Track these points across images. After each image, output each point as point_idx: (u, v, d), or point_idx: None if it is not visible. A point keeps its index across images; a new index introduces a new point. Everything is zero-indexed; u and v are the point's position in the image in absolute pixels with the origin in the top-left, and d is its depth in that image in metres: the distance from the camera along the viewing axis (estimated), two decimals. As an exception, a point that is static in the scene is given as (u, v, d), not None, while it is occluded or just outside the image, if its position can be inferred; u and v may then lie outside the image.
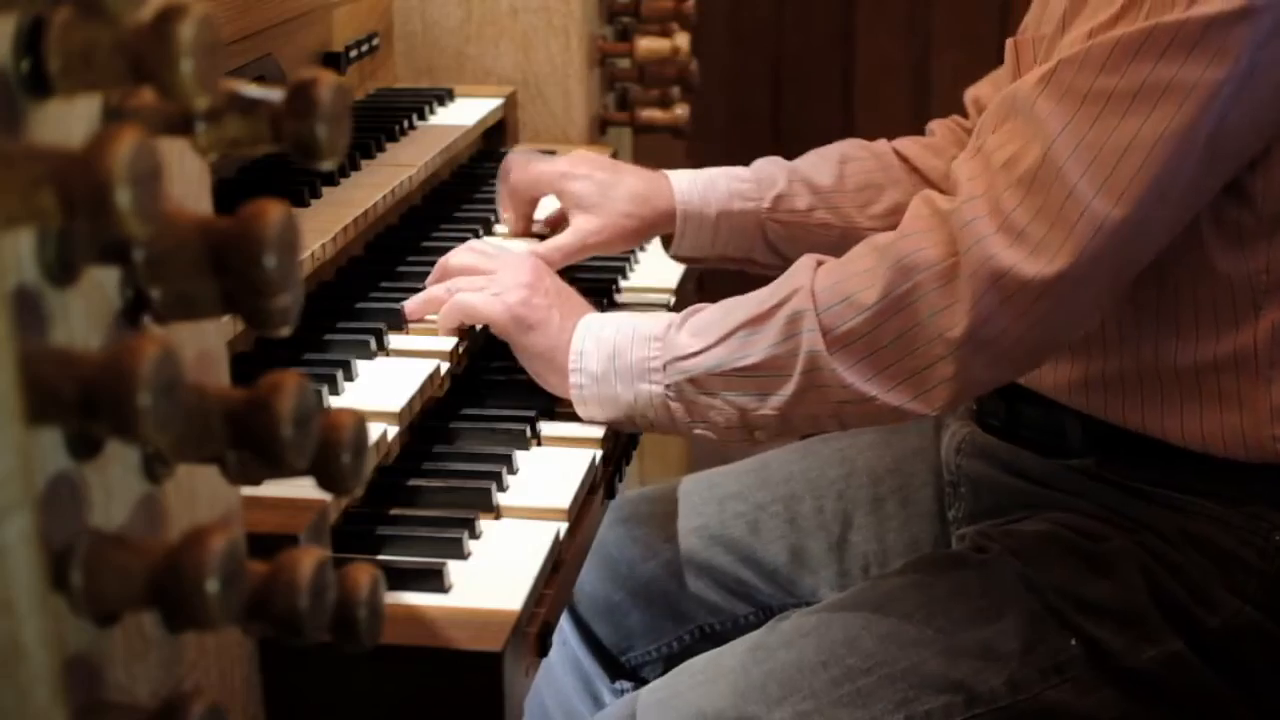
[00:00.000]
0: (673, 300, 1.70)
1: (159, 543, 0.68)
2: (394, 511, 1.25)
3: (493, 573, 1.16)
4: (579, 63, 2.07)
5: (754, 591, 1.71)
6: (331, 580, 0.74)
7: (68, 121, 0.68)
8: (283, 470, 0.72)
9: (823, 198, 1.69)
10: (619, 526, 1.77)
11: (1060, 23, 1.37)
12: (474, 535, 1.21)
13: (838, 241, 1.66)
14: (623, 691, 1.74)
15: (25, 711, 0.65)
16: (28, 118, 0.66)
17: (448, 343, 1.42)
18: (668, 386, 1.38)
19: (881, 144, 1.76)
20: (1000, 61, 1.64)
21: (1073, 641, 1.40)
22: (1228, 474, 1.42)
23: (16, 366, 0.63)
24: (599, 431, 1.40)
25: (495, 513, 1.26)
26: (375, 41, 1.99)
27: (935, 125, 1.80)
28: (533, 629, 1.14)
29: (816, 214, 1.68)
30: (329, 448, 0.74)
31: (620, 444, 1.46)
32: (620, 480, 1.45)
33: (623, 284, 1.71)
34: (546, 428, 1.41)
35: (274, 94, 0.70)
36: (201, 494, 0.82)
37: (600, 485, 1.38)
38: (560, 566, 1.23)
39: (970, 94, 1.78)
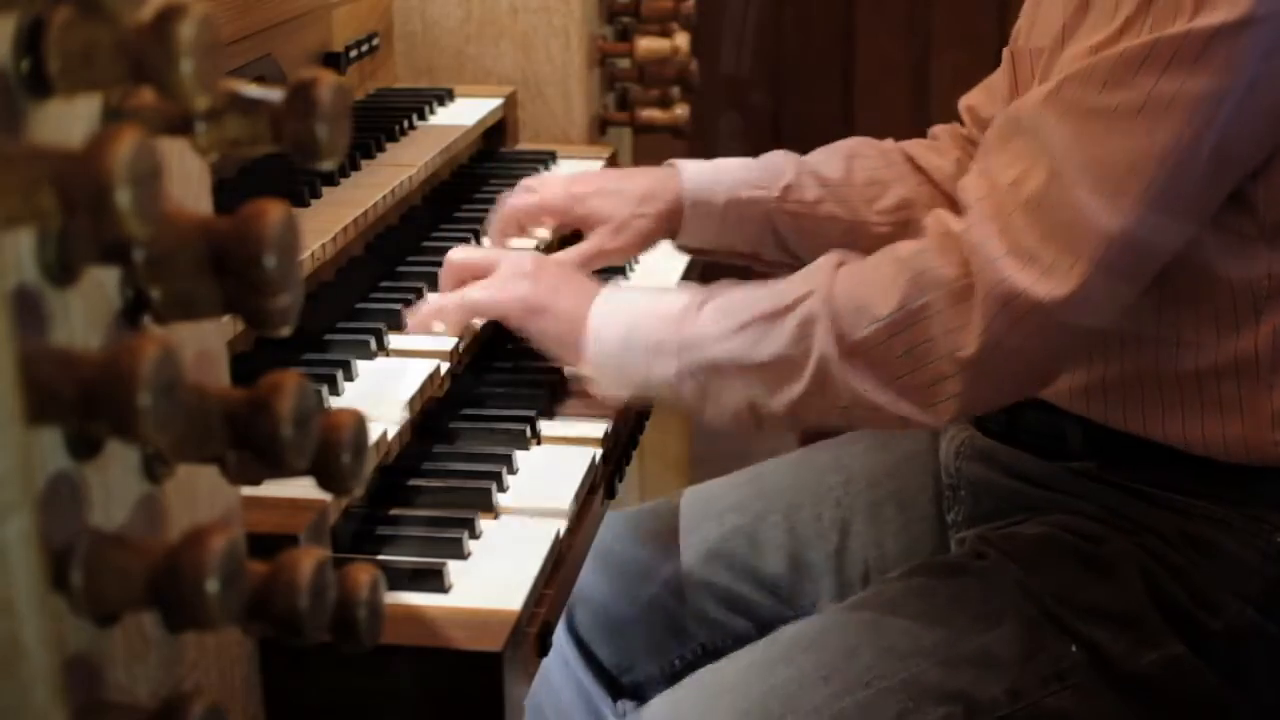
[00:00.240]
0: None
1: (159, 543, 0.68)
2: (394, 511, 1.25)
3: (493, 573, 1.16)
4: (579, 63, 2.07)
5: (755, 607, 1.71)
6: (331, 580, 0.74)
7: (68, 121, 0.68)
8: (283, 470, 0.72)
9: (831, 190, 1.69)
10: (619, 545, 1.76)
11: (1060, 36, 1.36)
12: (474, 535, 1.21)
13: (845, 234, 1.66)
14: (625, 713, 1.74)
15: (25, 711, 0.65)
16: (28, 118, 0.66)
17: (448, 342, 1.42)
18: (681, 369, 1.38)
19: (888, 143, 1.76)
20: (999, 63, 1.64)
21: (1073, 647, 1.40)
22: (1229, 477, 1.42)
23: (16, 366, 0.63)
24: (599, 430, 1.41)
25: (495, 513, 1.26)
26: (375, 41, 1.99)
27: (938, 130, 1.80)
28: (533, 629, 1.14)
29: (824, 206, 1.68)
30: (329, 448, 0.74)
31: (620, 443, 1.46)
32: (620, 480, 1.45)
33: (623, 283, 1.71)
34: (546, 427, 1.41)
35: (274, 94, 0.70)
36: (201, 494, 0.82)
37: (600, 484, 1.38)
38: (561, 565, 1.23)
39: (964, 103, 1.78)
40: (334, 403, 1.29)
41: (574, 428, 1.41)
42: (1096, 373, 1.45)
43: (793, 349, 1.35)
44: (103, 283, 0.71)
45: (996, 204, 1.31)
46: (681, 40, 2.17)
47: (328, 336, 1.40)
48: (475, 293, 1.45)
